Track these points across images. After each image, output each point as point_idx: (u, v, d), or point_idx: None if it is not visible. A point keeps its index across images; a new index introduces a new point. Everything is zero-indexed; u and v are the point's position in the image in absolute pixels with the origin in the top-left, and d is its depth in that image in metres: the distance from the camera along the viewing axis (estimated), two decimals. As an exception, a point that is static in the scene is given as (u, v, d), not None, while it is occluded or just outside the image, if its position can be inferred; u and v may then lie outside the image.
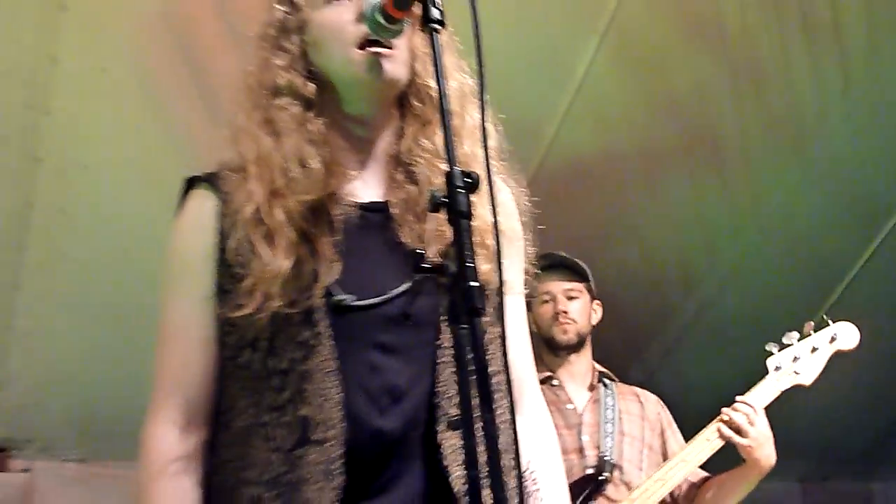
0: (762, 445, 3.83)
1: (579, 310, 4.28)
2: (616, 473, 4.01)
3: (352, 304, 1.94)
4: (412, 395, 1.96)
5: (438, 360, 1.98)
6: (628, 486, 3.98)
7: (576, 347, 4.27)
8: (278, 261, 1.90)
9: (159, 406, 2.01)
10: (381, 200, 2.08)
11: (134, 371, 5.04)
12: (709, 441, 3.89)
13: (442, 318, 1.99)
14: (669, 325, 6.21)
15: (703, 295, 6.04)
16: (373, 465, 1.92)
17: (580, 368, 4.29)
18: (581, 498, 3.93)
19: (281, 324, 1.91)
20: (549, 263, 4.27)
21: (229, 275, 1.98)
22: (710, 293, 6.05)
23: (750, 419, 3.83)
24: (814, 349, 4.11)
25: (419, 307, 2.00)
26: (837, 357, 6.20)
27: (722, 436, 3.86)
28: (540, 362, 4.26)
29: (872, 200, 5.78)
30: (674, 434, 4.24)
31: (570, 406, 4.18)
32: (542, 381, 4.20)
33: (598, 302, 4.40)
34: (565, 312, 4.25)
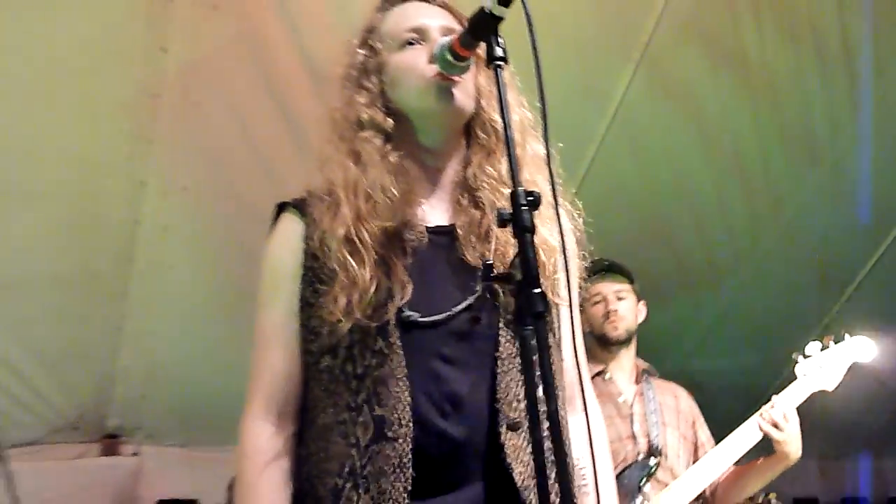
0: (794, 440, 3.87)
1: (627, 309, 4.29)
2: (662, 459, 4.03)
3: (418, 320, 1.98)
4: (471, 402, 1.99)
5: (498, 370, 2.01)
6: (672, 472, 4.02)
7: (625, 343, 4.28)
8: (365, 275, 1.95)
9: (254, 404, 2.07)
10: (447, 224, 2.12)
11: (228, 366, 5.17)
12: (750, 434, 3.93)
13: (500, 330, 2.02)
14: (699, 321, 6.20)
15: (730, 294, 6.03)
16: (439, 463, 1.95)
17: (628, 364, 4.30)
18: (637, 481, 3.96)
19: (358, 334, 1.96)
20: (599, 268, 4.30)
21: (314, 290, 2.03)
22: (736, 292, 6.03)
23: (785, 416, 3.87)
24: (835, 359, 4.15)
25: (480, 321, 2.03)
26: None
27: (761, 429, 3.90)
28: (593, 358, 4.29)
29: (882, 206, 5.75)
30: (702, 426, 4.26)
31: (621, 398, 4.19)
32: (597, 374, 4.26)
33: (643, 302, 4.41)
34: (615, 311, 4.26)
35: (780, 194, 5.60)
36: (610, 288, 4.31)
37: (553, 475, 1.59)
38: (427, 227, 2.08)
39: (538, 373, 1.58)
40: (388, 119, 2.11)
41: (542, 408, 1.59)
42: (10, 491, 4.33)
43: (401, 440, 1.91)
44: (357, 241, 1.98)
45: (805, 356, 4.16)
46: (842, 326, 6.07)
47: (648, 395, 4.18)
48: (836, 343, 4.19)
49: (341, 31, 3.98)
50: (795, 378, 4.09)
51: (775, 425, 3.87)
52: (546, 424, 1.58)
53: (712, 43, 4.88)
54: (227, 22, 4.24)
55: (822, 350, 4.17)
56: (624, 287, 4.34)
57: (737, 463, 4.06)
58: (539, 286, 1.63)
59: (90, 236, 4.61)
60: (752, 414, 4.02)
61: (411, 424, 1.92)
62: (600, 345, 4.31)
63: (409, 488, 1.89)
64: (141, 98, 4.31)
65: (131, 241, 4.70)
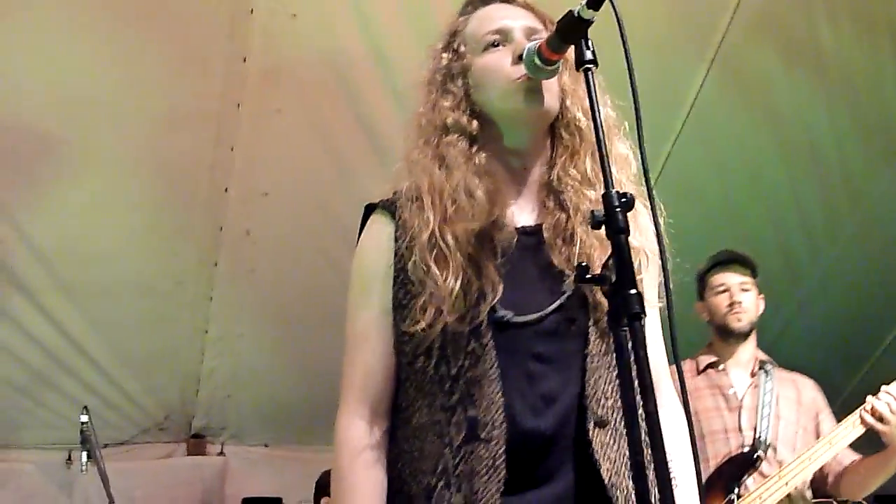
0: None
1: (751, 301, 4.24)
2: (770, 453, 3.98)
3: (512, 320, 1.97)
4: (563, 399, 1.98)
5: (587, 367, 2.00)
6: (781, 465, 3.95)
7: (746, 335, 4.24)
8: (450, 281, 1.94)
9: (348, 403, 2.07)
10: (535, 224, 2.10)
11: (309, 369, 5.27)
12: (853, 427, 3.85)
13: (590, 328, 2.02)
14: (775, 319, 6.15)
15: (808, 287, 5.97)
16: (530, 461, 1.95)
17: (745, 356, 4.25)
18: (739, 474, 3.96)
19: (451, 336, 1.95)
20: (724, 258, 4.30)
21: (405, 291, 2.02)
22: (814, 285, 5.98)
23: (892, 408, 3.75)
24: None
25: (569, 321, 2.02)
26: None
27: (864, 422, 3.80)
28: (709, 349, 4.29)
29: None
30: (828, 416, 4.16)
31: (731, 390, 4.17)
32: (711, 366, 4.24)
33: (762, 296, 4.34)
34: (740, 303, 4.20)
35: (856, 190, 5.53)
36: (735, 279, 4.26)
37: (651, 475, 1.58)
38: (516, 228, 2.06)
39: (634, 374, 1.58)
40: (474, 122, 2.08)
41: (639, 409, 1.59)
42: (104, 489, 4.44)
43: (494, 442, 1.91)
44: (442, 245, 1.98)
45: None
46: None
47: (765, 387, 4.12)
48: None
49: (420, 41, 4.07)
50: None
51: (881, 418, 3.76)
52: (644, 425, 1.58)
53: (786, 40, 4.86)
54: (306, 31, 4.31)
55: None
56: (748, 279, 4.28)
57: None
58: (635, 287, 1.63)
59: (176, 242, 4.74)
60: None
61: (504, 425, 1.92)
62: (720, 336, 4.27)
63: (502, 488, 1.90)
64: (223, 107, 4.41)
65: (215, 246, 4.82)
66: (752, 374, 4.20)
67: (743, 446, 4.02)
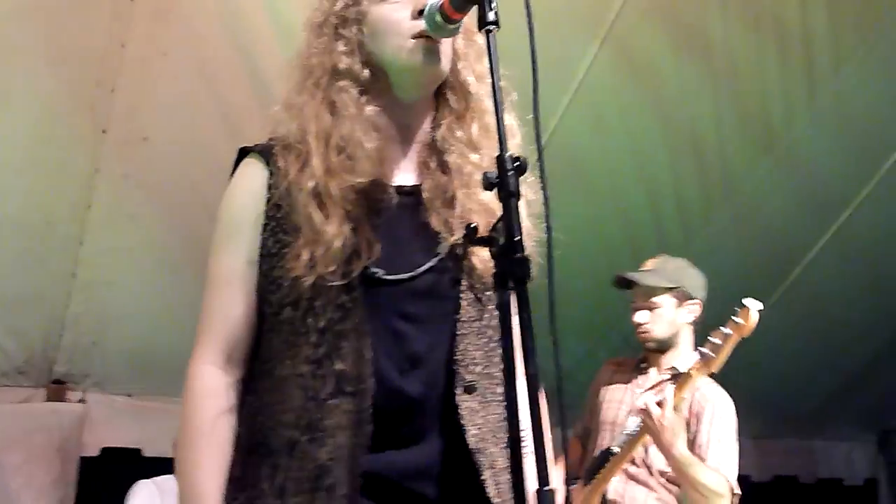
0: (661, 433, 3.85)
1: (656, 318, 4.27)
2: (642, 453, 4.07)
3: (383, 277, 1.97)
4: (430, 361, 2.00)
5: (458, 332, 2.01)
6: (649, 468, 4.09)
7: (660, 349, 4.29)
8: (331, 231, 1.93)
9: (202, 347, 2.04)
10: (415, 184, 2.10)
11: (181, 319, 5.16)
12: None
13: (462, 293, 2.03)
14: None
15: (677, 270, 6.12)
16: (397, 420, 1.96)
17: (667, 365, 4.25)
18: (596, 468, 4.07)
19: (321, 288, 1.93)
20: (619, 285, 4.36)
21: (275, 239, 2.00)
22: (684, 269, 6.12)
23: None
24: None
25: (442, 283, 2.03)
26: (792, 328, 6.35)
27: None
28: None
29: (830, 195, 5.88)
30: (704, 427, 4.08)
31: (639, 390, 4.25)
32: (639, 364, 4.38)
33: (693, 301, 4.35)
34: (638, 324, 4.28)
35: (733, 178, 5.67)
36: (641, 302, 4.32)
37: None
38: (396, 186, 2.06)
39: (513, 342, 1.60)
40: (366, 70, 2.06)
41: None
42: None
43: (361, 395, 1.91)
44: (325, 196, 1.96)
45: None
46: (782, 312, 6.26)
47: (666, 391, 4.05)
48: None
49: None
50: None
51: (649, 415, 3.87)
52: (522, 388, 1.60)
53: (677, 25, 4.94)
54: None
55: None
56: (653, 299, 4.29)
57: None
58: (523, 251, 1.64)
59: (50, 181, 4.58)
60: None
61: (372, 380, 1.92)
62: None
63: (369, 443, 1.91)
64: (107, 45, 4.28)
65: (89, 189, 4.68)
66: (661, 381, 4.24)
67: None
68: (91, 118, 4.48)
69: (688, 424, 4.08)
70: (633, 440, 3.97)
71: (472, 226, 1.81)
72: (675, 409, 3.85)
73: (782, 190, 5.77)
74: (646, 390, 4.23)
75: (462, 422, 1.98)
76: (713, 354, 3.87)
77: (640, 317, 4.28)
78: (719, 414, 4.10)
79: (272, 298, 2.01)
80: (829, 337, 6.47)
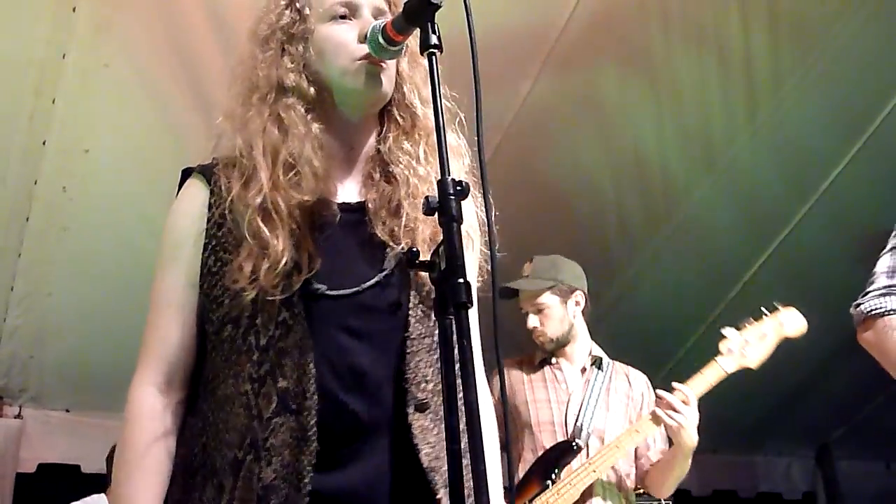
0: (688, 427, 3.89)
1: (547, 321, 4.31)
2: (596, 443, 4.08)
3: (325, 292, 1.96)
4: (374, 376, 1.98)
5: (408, 349, 1.99)
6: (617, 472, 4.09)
7: (559, 346, 4.32)
8: (277, 246, 1.92)
9: (142, 369, 2.02)
10: (359, 201, 2.09)
11: (118, 331, 5.11)
12: (638, 431, 4.00)
13: (411, 310, 2.01)
14: (591, 309, 6.32)
15: (621, 286, 6.17)
16: (343, 437, 1.94)
17: (577, 353, 4.33)
18: (557, 462, 4.06)
19: (262, 305, 1.93)
20: (505, 296, 4.34)
21: (216, 258, 1.99)
22: (627, 285, 6.17)
23: (677, 406, 3.90)
24: (763, 335, 4.13)
25: (389, 298, 2.01)
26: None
27: (656, 417, 3.94)
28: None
29: (770, 211, 5.96)
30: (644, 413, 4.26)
31: (563, 385, 4.26)
32: (545, 360, 4.35)
33: (576, 291, 4.40)
34: (534, 329, 4.31)
35: (675, 194, 5.75)
36: (529, 307, 4.35)
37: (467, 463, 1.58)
38: (340, 203, 2.05)
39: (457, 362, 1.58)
40: (312, 88, 2.06)
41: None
42: None
43: (305, 413, 1.89)
44: (272, 211, 1.94)
45: (738, 328, 4.13)
46: (728, 324, 6.30)
47: (595, 381, 4.22)
48: (768, 316, 4.15)
49: (258, 3, 3.99)
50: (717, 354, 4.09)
51: (671, 408, 3.90)
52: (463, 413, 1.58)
53: (620, 44, 4.98)
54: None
55: (752, 324, 4.15)
56: (534, 302, 4.34)
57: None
58: (464, 276, 1.63)
59: (-13, 191, 4.52)
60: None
61: (316, 397, 1.90)
62: None
63: (314, 461, 1.88)
64: (48, 55, 4.23)
65: (28, 200, 4.62)
66: (583, 370, 4.31)
67: (565, 439, 4.12)
68: (31, 129, 4.41)
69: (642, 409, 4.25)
70: (634, 433, 4.01)
71: (413, 250, 1.81)
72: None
73: (723, 207, 5.85)
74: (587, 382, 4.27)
75: (415, 441, 1.97)
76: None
77: (532, 321, 4.32)
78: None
79: (213, 317, 1.99)
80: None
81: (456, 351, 1.59)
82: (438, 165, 1.73)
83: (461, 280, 1.61)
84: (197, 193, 2.07)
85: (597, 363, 4.32)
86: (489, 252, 1.85)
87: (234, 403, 1.94)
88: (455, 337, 1.60)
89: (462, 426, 1.60)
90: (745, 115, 5.40)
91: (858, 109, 5.44)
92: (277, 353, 1.92)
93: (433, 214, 1.69)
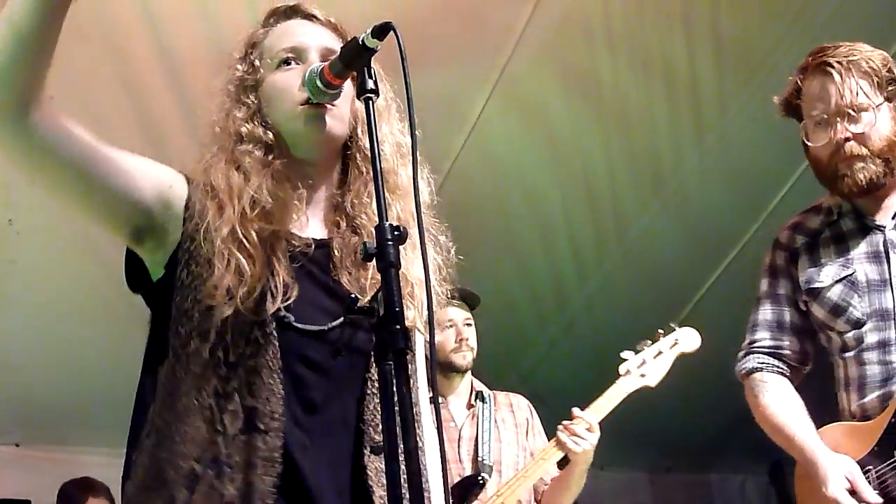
0: (588, 452, 3.91)
1: (474, 337, 4.32)
2: (495, 476, 4.08)
3: (294, 324, 1.95)
4: (326, 413, 1.98)
5: (367, 391, 2.01)
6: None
7: (466, 370, 4.32)
8: (253, 272, 1.91)
9: None
10: (325, 238, 2.10)
11: (67, 365, 5.07)
12: (545, 458, 3.99)
13: (373, 353, 1.96)
14: (544, 334, 6.36)
15: (574, 309, 6.20)
16: (303, 463, 1.92)
17: (463, 388, 4.33)
18: (463, 498, 4.02)
19: (234, 322, 1.91)
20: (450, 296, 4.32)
21: (188, 272, 1.97)
22: (580, 307, 6.20)
23: (590, 427, 3.92)
24: (659, 353, 4.18)
25: (352, 340, 2.01)
26: (685, 361, 6.46)
27: (559, 443, 3.93)
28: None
29: (718, 233, 6.02)
30: (535, 435, 4.31)
31: (451, 424, 4.23)
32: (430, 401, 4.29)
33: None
34: (466, 339, 4.27)
35: (624, 218, 5.80)
36: (460, 315, 4.32)
37: None
38: (307, 239, 2.06)
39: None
40: (269, 132, 2.08)
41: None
42: None
43: (272, 433, 1.88)
44: (244, 239, 1.94)
45: (637, 352, 4.17)
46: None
47: (483, 415, 4.22)
48: (663, 336, 4.21)
49: (206, 37, 3.99)
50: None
51: (577, 435, 3.89)
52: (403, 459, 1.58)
53: (567, 69, 5.03)
54: (84, 14, 4.13)
55: (649, 346, 4.19)
56: (470, 315, 4.36)
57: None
58: (402, 322, 1.63)
59: (-67, 228, 4.47)
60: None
61: (283, 419, 1.90)
62: (441, 371, 4.30)
63: (278, 483, 1.87)
64: (-9, 88, 4.18)
65: (-27, 236, 4.57)
66: (469, 406, 4.31)
67: (462, 476, 4.09)
68: (-27, 163, 4.36)
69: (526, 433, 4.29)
70: (540, 462, 3.99)
71: (353, 296, 1.82)
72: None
73: (673, 229, 5.91)
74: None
75: (369, 482, 1.97)
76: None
77: (470, 333, 4.32)
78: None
79: (181, 330, 1.96)
80: (722, 372, 6.58)
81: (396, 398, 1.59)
82: (376, 210, 1.73)
83: (398, 327, 1.62)
84: (180, 182, 2.04)
85: (479, 396, 4.31)
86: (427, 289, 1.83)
87: (195, 417, 1.90)
88: (395, 383, 1.60)
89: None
90: (692, 138, 5.46)
91: (803, 129, 5.51)
92: (247, 371, 1.91)
93: (371, 260, 1.69)
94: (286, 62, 2.10)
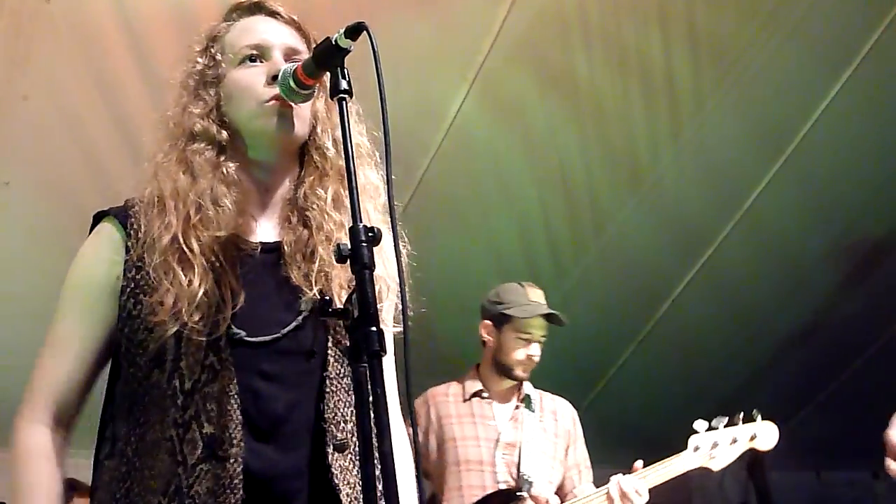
0: None
1: (539, 354, 4.28)
2: (527, 487, 4.04)
3: (245, 339, 1.94)
4: (292, 420, 1.97)
5: (326, 389, 1.98)
6: (537, 500, 4.03)
7: (521, 381, 4.30)
8: (194, 283, 1.89)
9: (33, 408, 1.98)
10: (276, 241, 2.08)
11: (18, 365, 5.02)
12: (601, 497, 3.91)
13: (329, 350, 2.00)
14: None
15: (551, 304, 6.18)
16: (264, 483, 1.91)
17: (511, 391, 4.31)
18: None
19: (186, 347, 1.90)
20: (547, 313, 4.29)
21: (136, 301, 1.95)
22: (557, 303, 6.19)
23: (638, 491, 3.83)
24: (734, 440, 4.02)
25: (305, 340, 2.00)
26: (661, 359, 6.49)
27: (610, 496, 3.86)
28: (476, 374, 4.32)
29: (695, 229, 6.03)
30: (576, 450, 4.29)
31: (491, 422, 4.21)
32: (476, 394, 4.26)
33: None
34: (535, 359, 4.25)
35: (602, 214, 5.80)
36: (539, 334, 4.27)
37: None
38: (257, 243, 2.04)
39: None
40: (223, 132, 2.05)
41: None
42: None
43: (231, 460, 1.86)
44: (185, 249, 1.92)
45: (710, 428, 4.01)
46: (652, 346, 6.38)
47: (525, 422, 4.18)
48: (743, 422, 4.05)
49: (180, 35, 3.96)
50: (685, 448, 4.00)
51: (623, 496, 3.82)
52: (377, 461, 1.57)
53: (543, 66, 5.03)
54: (59, 14, 4.12)
55: (725, 426, 4.04)
56: (546, 334, 4.31)
57: None
58: (377, 324, 1.63)
59: None
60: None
61: (243, 444, 1.88)
62: (497, 371, 4.28)
63: None
64: (-35, 90, 4.17)
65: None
66: (515, 408, 4.27)
67: (498, 482, 4.07)
68: (-50, 163, 4.34)
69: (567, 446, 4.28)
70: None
71: (326, 298, 1.81)
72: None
73: (650, 225, 5.91)
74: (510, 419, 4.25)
75: (335, 481, 1.95)
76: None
77: (535, 350, 4.26)
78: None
79: (140, 361, 1.95)
80: (697, 367, 6.63)
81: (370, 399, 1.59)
82: (350, 211, 1.72)
83: (374, 328, 1.61)
84: (109, 238, 2.03)
85: (527, 403, 4.28)
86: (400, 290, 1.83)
87: (160, 449, 1.89)
88: (369, 385, 1.59)
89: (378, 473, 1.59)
90: (668, 135, 5.47)
91: (778, 128, 5.55)
92: (203, 397, 1.89)
93: (345, 262, 1.68)
94: (250, 59, 2.08)
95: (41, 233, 4.65)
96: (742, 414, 4.06)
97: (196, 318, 1.88)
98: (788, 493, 8.03)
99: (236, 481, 1.86)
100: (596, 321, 6.24)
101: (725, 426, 4.01)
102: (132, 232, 2.00)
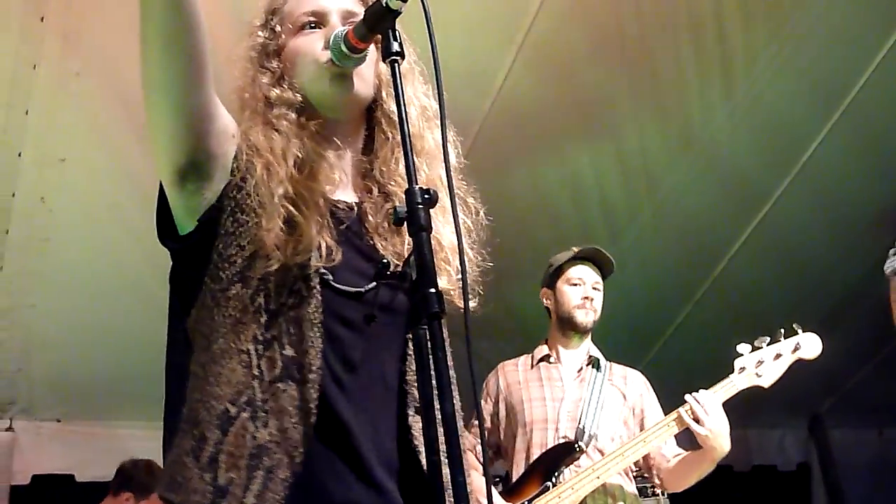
0: (717, 436, 3.85)
1: (600, 301, 4.34)
2: (592, 444, 4.08)
3: (332, 283, 1.95)
4: (364, 372, 1.97)
5: (409, 352, 2.02)
6: (602, 453, 4.07)
7: (586, 333, 4.34)
8: (308, 231, 1.92)
9: None
10: (357, 202, 2.11)
11: (104, 339, 5.12)
12: (668, 427, 3.95)
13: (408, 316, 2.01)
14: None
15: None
16: (336, 415, 1.92)
17: (578, 351, 4.34)
18: (558, 463, 4.04)
19: (278, 273, 1.91)
20: (589, 254, 4.36)
21: (234, 220, 1.96)
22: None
23: (706, 410, 3.86)
24: (778, 355, 4.10)
25: (391, 302, 2.02)
26: (717, 320, 6.42)
27: (680, 423, 3.91)
28: (545, 343, 4.39)
29: (750, 188, 5.96)
30: (654, 411, 4.28)
31: (558, 383, 4.26)
32: (543, 359, 4.34)
33: None
34: (592, 299, 4.29)
35: (654, 176, 5.75)
36: (592, 277, 4.34)
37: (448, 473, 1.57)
38: (344, 202, 2.08)
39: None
40: (297, 95, 2.08)
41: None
42: None
43: (308, 385, 1.87)
44: (297, 199, 1.95)
45: (754, 348, 4.10)
46: (709, 306, 6.33)
47: (592, 381, 4.22)
48: (784, 338, 4.13)
49: (231, 4, 3.96)
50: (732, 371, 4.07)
51: (696, 420, 3.86)
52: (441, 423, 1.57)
53: (593, 27, 4.96)
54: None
55: (768, 344, 4.11)
56: (601, 280, 4.37)
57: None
58: (435, 286, 1.62)
59: (-36, 206, 4.50)
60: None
61: (321, 371, 1.89)
62: (561, 327, 4.36)
63: (312, 433, 1.86)
64: (18, 67, 4.20)
65: (7, 213, 4.60)
66: (580, 370, 4.30)
67: (560, 438, 4.10)
68: (5, 141, 4.39)
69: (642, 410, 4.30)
70: (641, 444, 3.99)
71: (384, 261, 1.81)
72: None
73: (703, 185, 5.85)
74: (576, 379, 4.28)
75: (415, 442, 1.97)
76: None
77: (591, 293, 4.32)
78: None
79: (223, 275, 1.95)
80: (753, 327, 6.55)
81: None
82: (405, 174, 1.71)
83: (432, 290, 1.61)
84: (237, 134, 2.04)
85: (594, 363, 4.32)
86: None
87: (231, 360, 1.90)
88: (429, 347, 1.59)
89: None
90: (721, 94, 5.39)
91: (834, 81, 5.45)
92: (287, 320, 1.91)
93: (401, 224, 1.68)
94: (309, 26, 2.10)
95: (100, 207, 4.70)
96: (783, 330, 4.14)
97: (297, 259, 1.91)
98: (850, 451, 7.97)
99: (311, 405, 1.87)
100: (651, 282, 6.21)
101: (768, 345, 4.11)
102: (240, 152, 2.00)
